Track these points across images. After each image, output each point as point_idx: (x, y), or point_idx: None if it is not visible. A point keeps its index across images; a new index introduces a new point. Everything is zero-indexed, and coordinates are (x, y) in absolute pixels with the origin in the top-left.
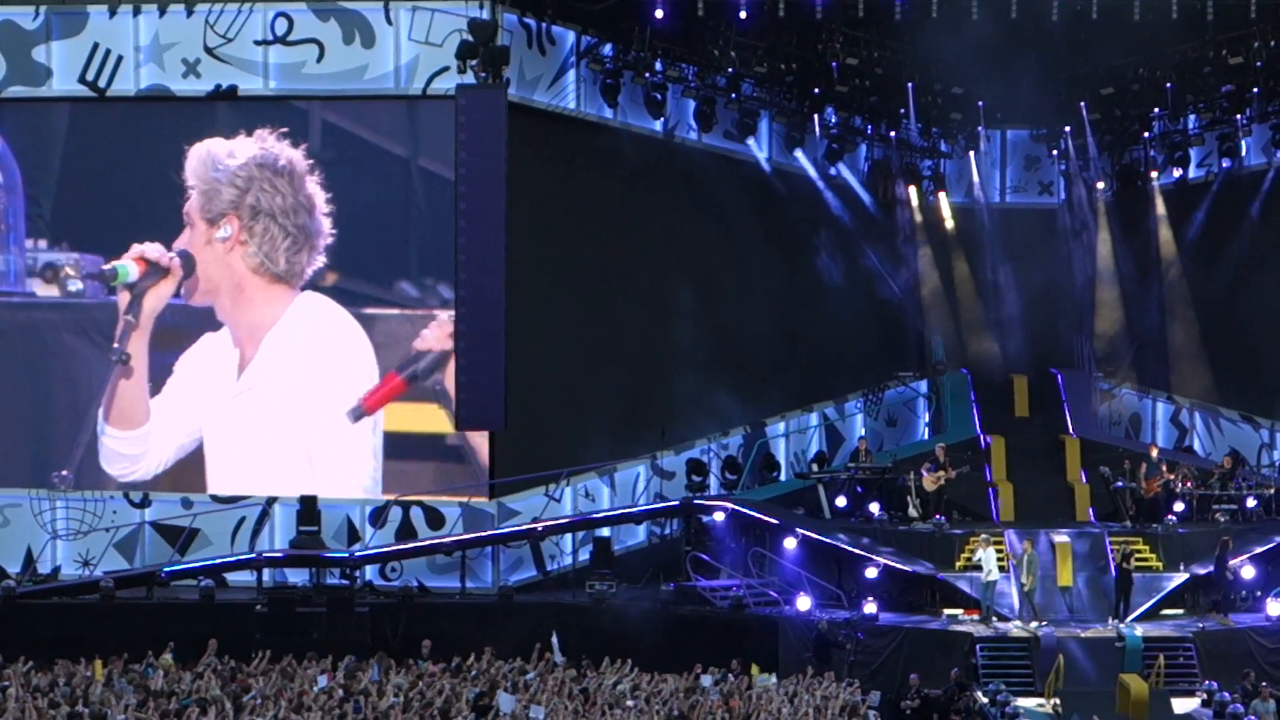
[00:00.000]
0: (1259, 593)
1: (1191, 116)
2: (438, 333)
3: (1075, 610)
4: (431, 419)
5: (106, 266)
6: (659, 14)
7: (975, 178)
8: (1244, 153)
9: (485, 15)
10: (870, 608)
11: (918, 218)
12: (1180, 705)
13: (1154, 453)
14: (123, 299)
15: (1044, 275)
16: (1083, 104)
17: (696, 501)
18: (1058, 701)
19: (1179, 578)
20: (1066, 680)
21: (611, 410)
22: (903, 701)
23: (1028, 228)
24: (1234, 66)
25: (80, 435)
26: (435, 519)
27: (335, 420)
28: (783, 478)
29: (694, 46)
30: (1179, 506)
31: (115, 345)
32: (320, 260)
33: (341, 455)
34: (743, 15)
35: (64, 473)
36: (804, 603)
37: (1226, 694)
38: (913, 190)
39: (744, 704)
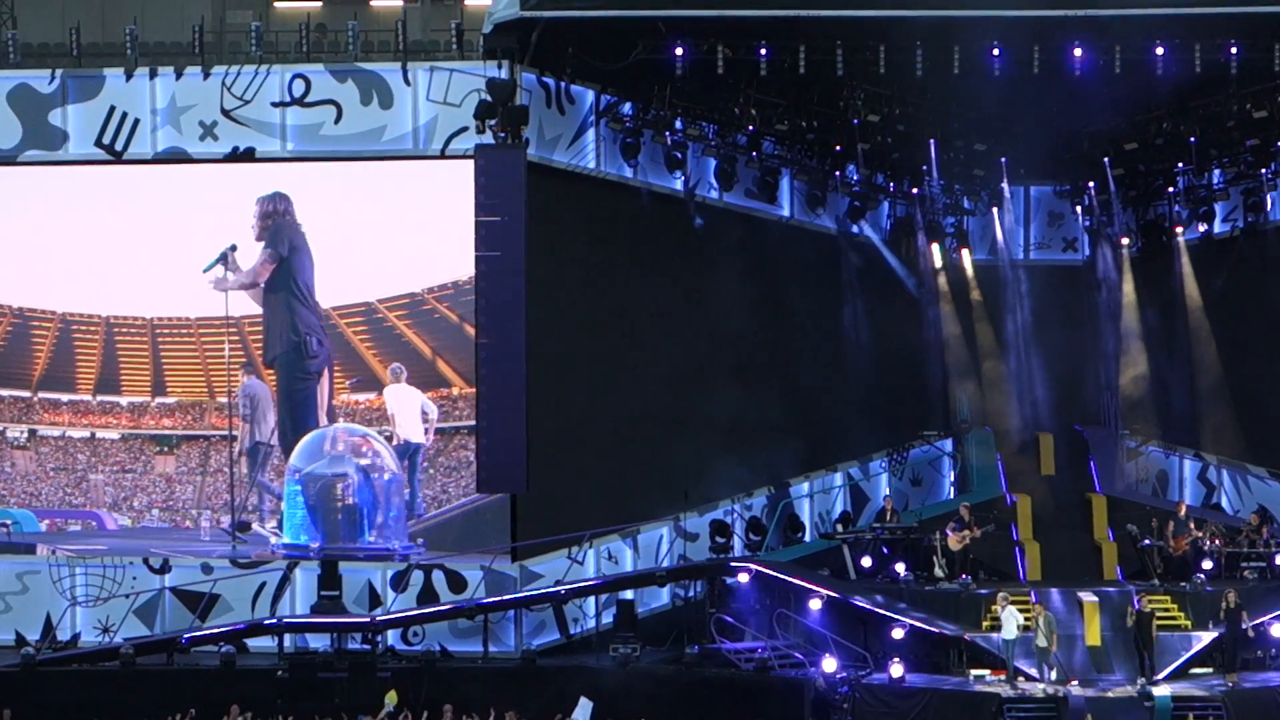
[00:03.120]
0: None
1: (1216, 171)
2: None
3: (1104, 670)
4: None
5: None
6: (679, 72)
7: (999, 234)
8: (1269, 207)
9: (504, 75)
10: (896, 669)
11: (941, 275)
12: None
13: (1182, 510)
14: None
15: (1069, 332)
16: (1106, 159)
17: (720, 563)
18: None
19: (1208, 636)
20: None
21: (634, 471)
22: None
23: (1052, 284)
24: (1258, 120)
25: None
26: (457, 582)
27: None
28: (807, 538)
29: (714, 104)
30: (1207, 564)
31: None
32: None
33: None
34: (763, 73)
35: None
36: (829, 664)
37: None
38: (936, 248)
39: None
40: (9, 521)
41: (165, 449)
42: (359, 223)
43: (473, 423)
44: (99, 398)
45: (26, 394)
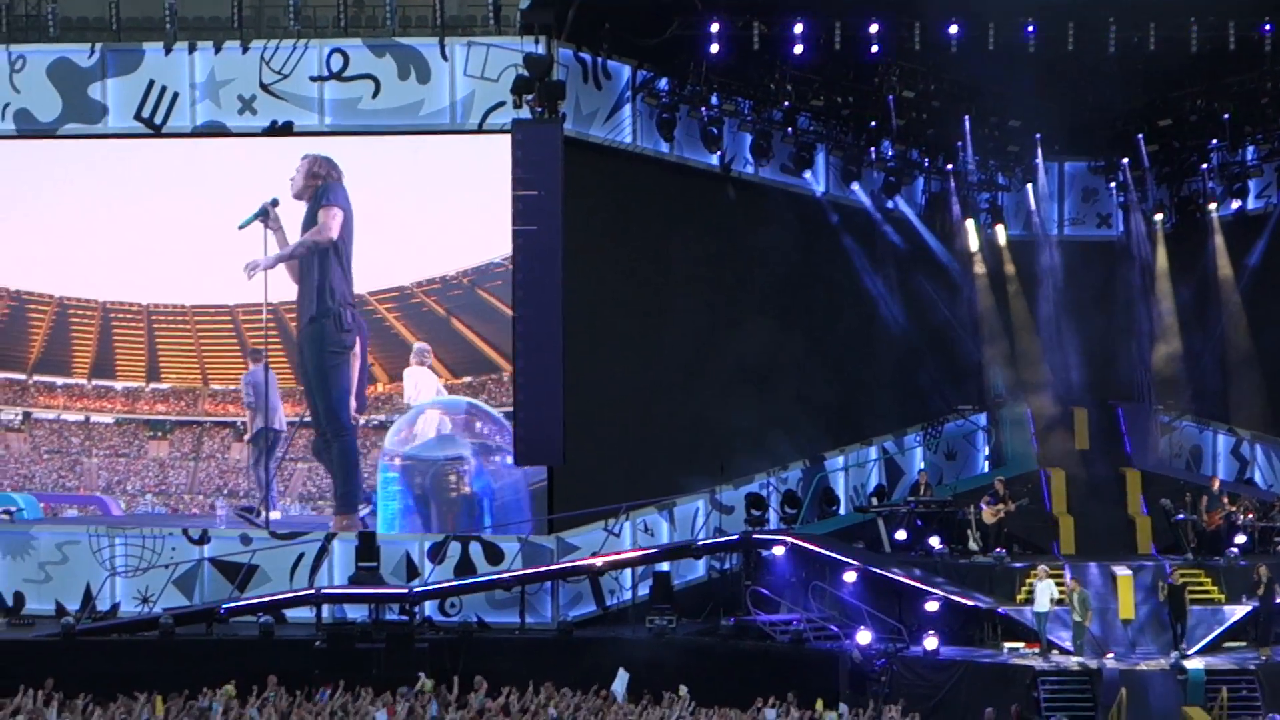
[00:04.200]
0: None
1: (1250, 147)
2: None
3: (1137, 643)
4: None
5: None
6: (714, 48)
7: (1033, 210)
8: None
9: (541, 50)
10: (931, 641)
11: (975, 251)
12: None
13: (1215, 485)
14: None
15: (1103, 307)
16: (1140, 135)
17: (756, 536)
18: None
19: (1241, 610)
20: (1129, 714)
21: (670, 445)
22: None
23: (1086, 260)
24: None
25: None
26: (494, 554)
27: None
28: (842, 511)
29: (750, 80)
30: (1240, 539)
31: None
32: None
33: None
34: (798, 49)
35: None
36: (864, 636)
37: None
38: (970, 223)
39: None
40: (13, 508)
41: (159, 434)
42: (394, 204)
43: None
44: (94, 382)
45: (22, 376)
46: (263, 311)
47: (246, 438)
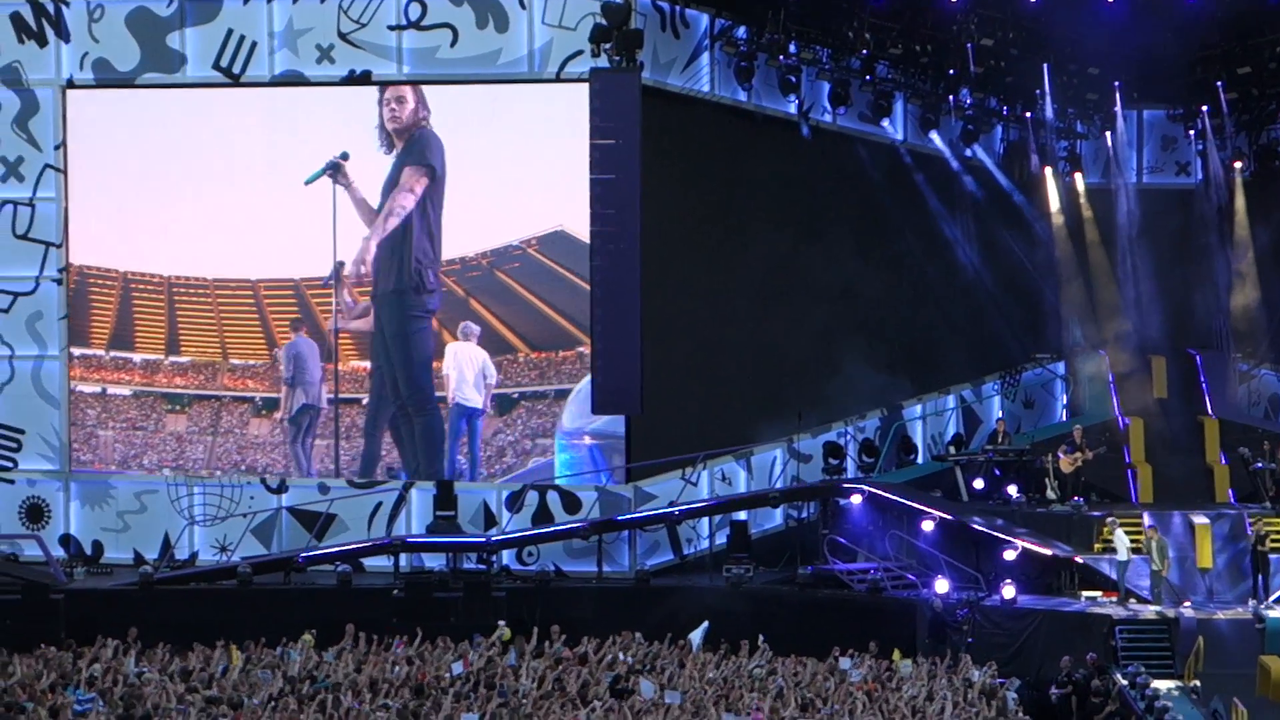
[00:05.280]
0: None
1: None
2: None
3: (1215, 592)
4: None
5: None
6: None
7: (1112, 158)
8: None
9: None
10: (1009, 590)
11: (1054, 199)
12: None
13: None
14: None
15: (1181, 255)
16: (1220, 83)
17: (834, 484)
18: (1198, 684)
19: None
20: (1206, 662)
21: (748, 393)
22: (1052, 688)
23: (1164, 208)
24: None
25: None
26: (572, 503)
27: None
28: (920, 460)
29: (828, 28)
30: None
31: None
32: None
33: None
34: None
35: None
36: (942, 585)
37: None
38: (1049, 171)
39: (884, 688)
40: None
41: (178, 408)
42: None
43: (543, 388)
44: (112, 353)
45: None
46: (291, 288)
47: (280, 415)
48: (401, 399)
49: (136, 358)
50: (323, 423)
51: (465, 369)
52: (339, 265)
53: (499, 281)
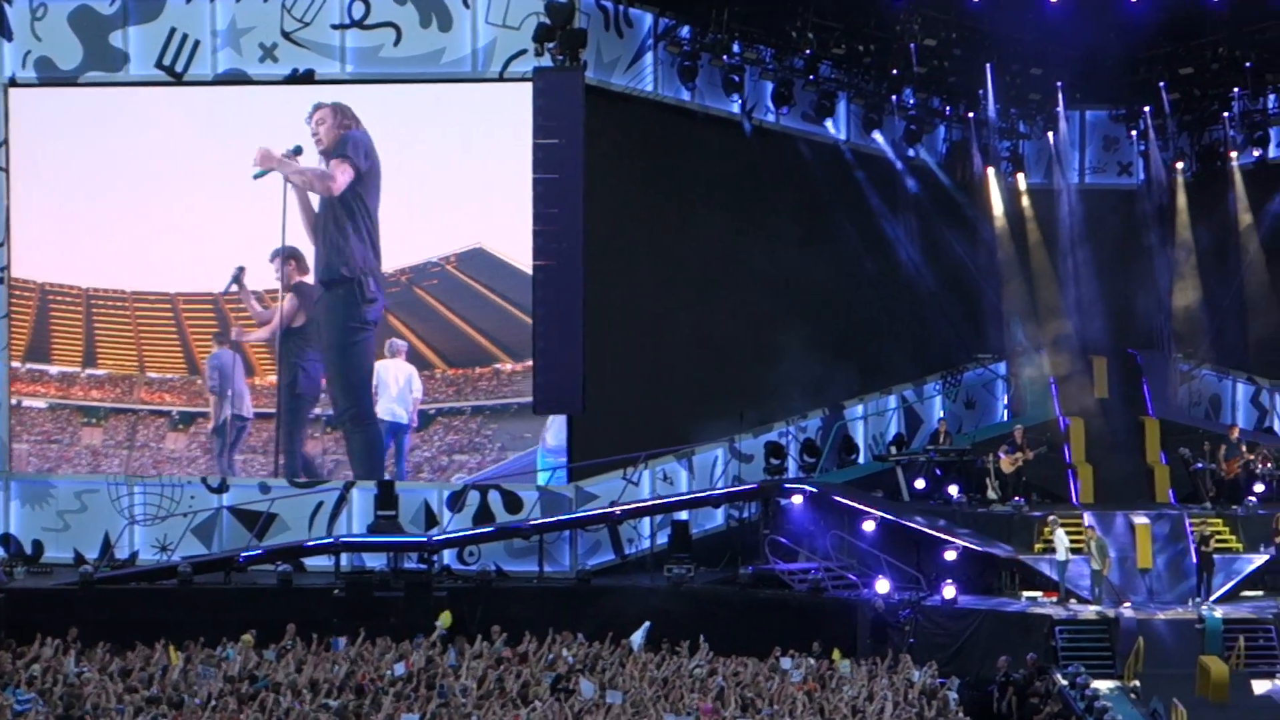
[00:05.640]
0: None
1: (1271, 96)
2: None
3: (1155, 592)
4: None
5: None
6: None
7: (1054, 158)
8: None
9: None
10: (949, 590)
11: (996, 199)
12: (1260, 687)
13: (1234, 434)
14: None
15: (1122, 256)
16: (1162, 84)
17: (775, 484)
18: (1137, 683)
19: (1259, 559)
20: (1146, 662)
21: (689, 393)
22: (990, 685)
23: (1106, 208)
24: None
25: None
26: (513, 503)
27: None
28: (861, 460)
29: (772, 28)
30: (1259, 488)
31: None
32: None
33: None
34: None
35: None
36: (883, 585)
37: None
38: (991, 171)
39: (824, 688)
40: None
41: (94, 421)
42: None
43: (459, 404)
44: (28, 365)
45: None
46: (210, 302)
47: (211, 426)
48: (339, 412)
49: (53, 370)
50: (248, 435)
51: (392, 384)
52: (240, 270)
53: (417, 298)
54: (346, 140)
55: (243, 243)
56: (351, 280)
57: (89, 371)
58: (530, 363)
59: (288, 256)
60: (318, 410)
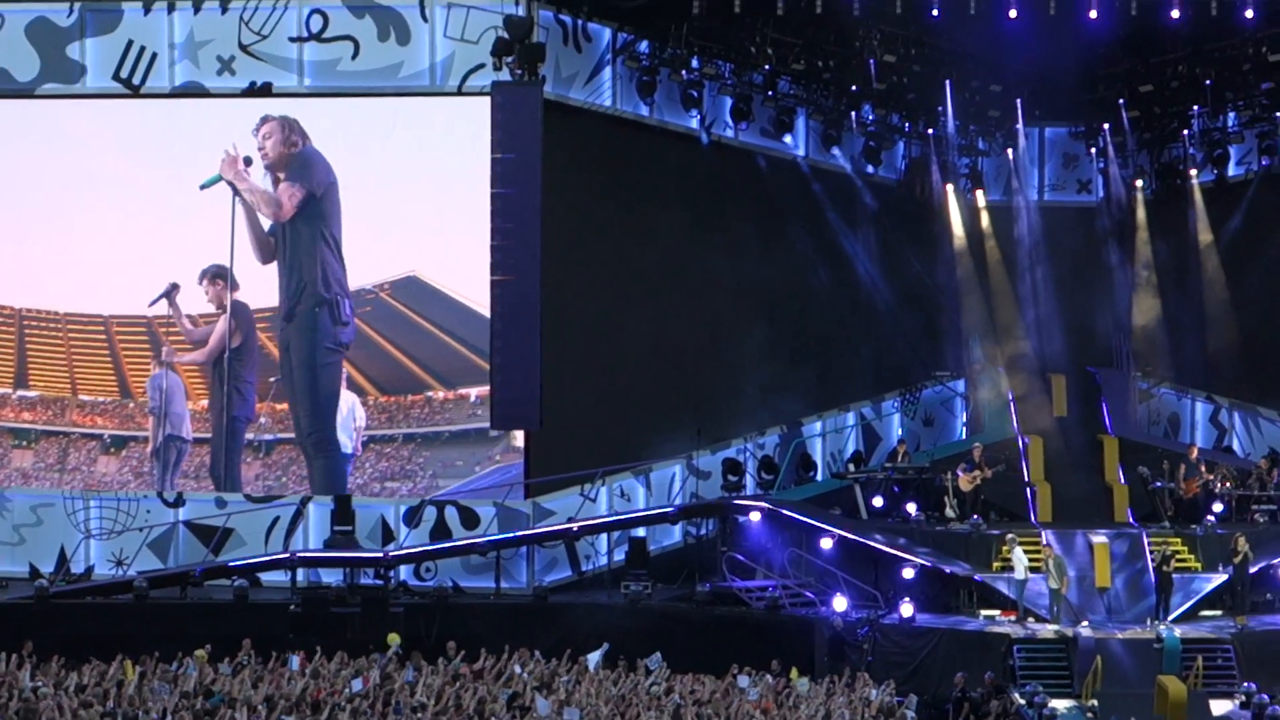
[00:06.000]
0: None
1: (1231, 114)
2: None
3: (1113, 611)
4: None
5: None
6: (695, 10)
7: (1013, 175)
8: None
9: (521, 12)
10: (907, 609)
11: (955, 216)
12: (1218, 707)
13: (1193, 454)
14: None
15: (1082, 273)
16: (1121, 101)
17: (732, 501)
18: (1095, 703)
19: (1217, 579)
20: (1104, 681)
21: (647, 409)
22: (946, 704)
23: (1066, 226)
24: (1274, 64)
25: None
26: (470, 519)
27: None
28: (819, 478)
29: (730, 43)
30: (1218, 507)
31: None
32: None
33: None
34: (780, 11)
35: None
36: (840, 603)
37: (1265, 695)
38: (950, 188)
39: (781, 707)
40: None
41: (24, 443)
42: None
43: (391, 431)
44: None
45: None
46: (143, 325)
47: (150, 447)
48: (302, 437)
49: None
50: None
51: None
52: (173, 287)
53: (353, 325)
54: (297, 160)
55: (182, 262)
56: (329, 301)
57: (20, 393)
58: (462, 391)
59: (215, 275)
60: (250, 435)
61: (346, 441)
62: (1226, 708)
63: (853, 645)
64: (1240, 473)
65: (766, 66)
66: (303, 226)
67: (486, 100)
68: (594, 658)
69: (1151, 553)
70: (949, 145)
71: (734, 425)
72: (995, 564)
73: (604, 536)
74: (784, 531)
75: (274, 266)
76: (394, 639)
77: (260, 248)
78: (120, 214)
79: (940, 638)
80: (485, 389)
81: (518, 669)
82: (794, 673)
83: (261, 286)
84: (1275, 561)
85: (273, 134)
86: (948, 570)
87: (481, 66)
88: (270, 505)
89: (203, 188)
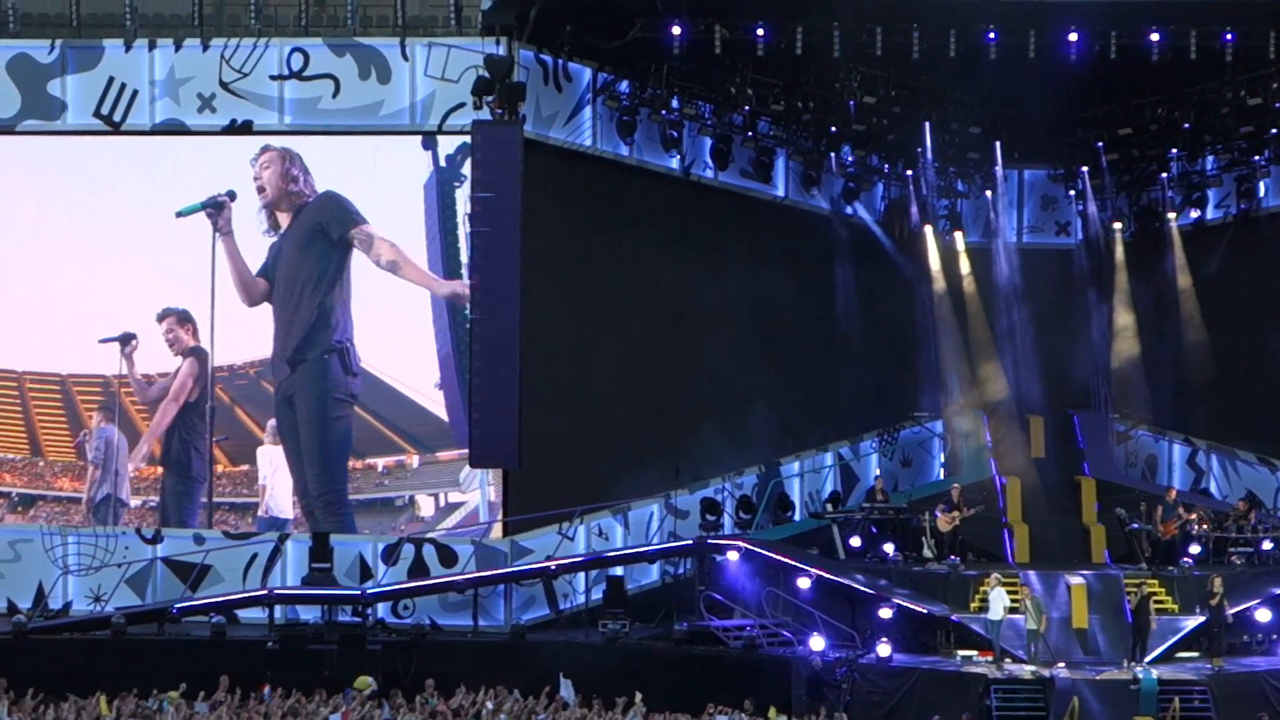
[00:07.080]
0: (1275, 636)
1: (1210, 157)
2: None
3: (1090, 652)
4: None
5: None
6: (676, 51)
7: (992, 217)
8: (1261, 194)
9: (501, 52)
10: (884, 649)
11: (934, 257)
12: None
13: (1171, 495)
14: None
15: (1060, 316)
16: (1100, 144)
17: (710, 541)
18: None
19: (1194, 621)
20: None
21: (626, 449)
22: None
23: (1044, 268)
24: (1252, 107)
25: None
26: (448, 557)
27: None
28: (797, 517)
29: (711, 84)
30: (1195, 549)
31: None
32: None
33: None
34: (760, 53)
35: None
36: (817, 643)
37: None
38: (929, 229)
39: None
40: None
41: None
42: None
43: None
44: None
45: None
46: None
47: (85, 498)
48: (309, 496)
49: None
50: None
51: (278, 475)
52: (127, 336)
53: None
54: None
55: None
56: (339, 349)
57: None
58: (399, 458)
59: (182, 319)
60: (203, 499)
61: (289, 510)
62: None
63: (830, 685)
64: (1217, 515)
65: (746, 107)
66: (311, 266)
67: (467, 139)
68: (566, 692)
69: (1128, 594)
70: (928, 186)
71: (712, 464)
72: (973, 604)
73: (582, 575)
74: (761, 571)
75: (251, 313)
76: (364, 682)
77: (246, 289)
78: (95, 250)
79: (917, 678)
80: (392, 459)
81: (489, 706)
82: (772, 711)
83: (234, 334)
84: (1251, 604)
85: (271, 164)
86: (925, 610)
87: (462, 105)
88: (248, 542)
89: (180, 215)
